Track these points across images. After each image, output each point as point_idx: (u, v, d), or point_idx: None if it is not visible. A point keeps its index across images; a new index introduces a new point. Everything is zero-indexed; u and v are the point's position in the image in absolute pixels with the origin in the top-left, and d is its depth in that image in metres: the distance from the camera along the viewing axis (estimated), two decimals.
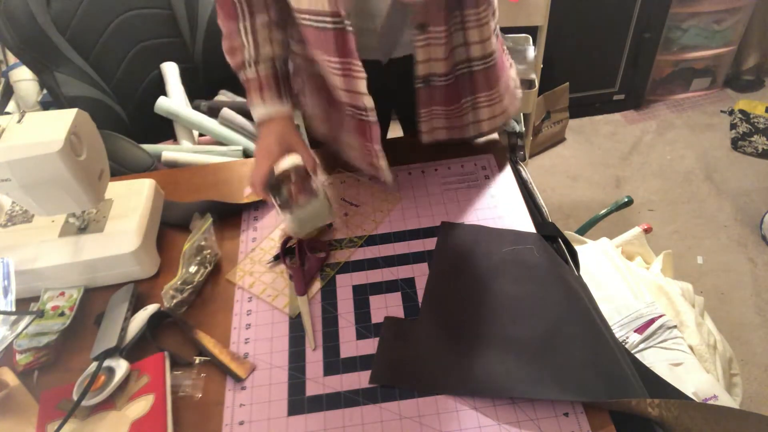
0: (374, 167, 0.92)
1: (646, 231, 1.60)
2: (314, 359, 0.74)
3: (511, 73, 1.00)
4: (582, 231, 1.74)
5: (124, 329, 0.75)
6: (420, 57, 0.83)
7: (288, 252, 0.89)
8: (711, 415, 0.64)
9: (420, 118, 0.92)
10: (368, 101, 0.82)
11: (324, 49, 0.79)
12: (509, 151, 1.03)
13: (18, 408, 0.71)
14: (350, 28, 0.75)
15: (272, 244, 0.90)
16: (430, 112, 0.91)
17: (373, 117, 0.84)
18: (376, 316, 0.78)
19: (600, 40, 2.37)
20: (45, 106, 1.84)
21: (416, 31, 0.79)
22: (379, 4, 0.81)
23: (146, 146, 1.33)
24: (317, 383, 0.71)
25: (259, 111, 0.85)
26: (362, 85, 0.80)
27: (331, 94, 0.88)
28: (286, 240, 0.89)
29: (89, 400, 0.68)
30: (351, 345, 0.75)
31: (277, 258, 0.87)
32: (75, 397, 0.68)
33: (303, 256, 0.86)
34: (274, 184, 0.87)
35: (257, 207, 0.97)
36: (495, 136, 1.05)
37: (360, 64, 0.78)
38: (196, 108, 1.44)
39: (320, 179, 0.88)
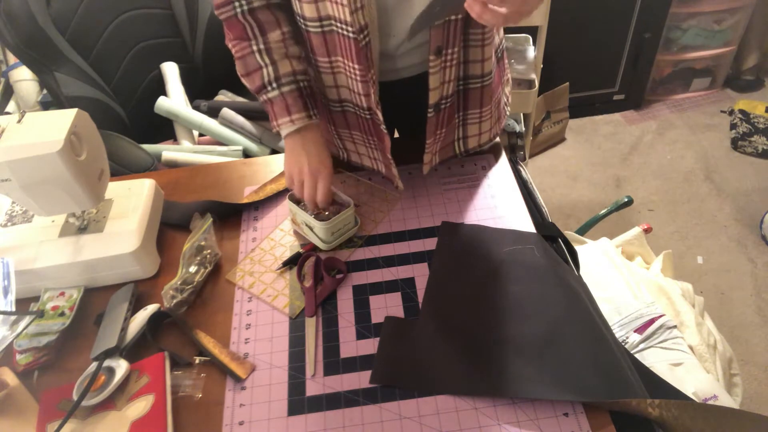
0: (389, 171, 0.92)
1: (646, 231, 1.60)
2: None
3: (506, 90, 0.99)
4: (582, 231, 1.74)
5: (124, 329, 0.75)
6: (434, 83, 0.80)
7: (293, 261, 0.86)
8: (711, 415, 0.64)
9: (426, 149, 0.90)
10: (379, 113, 0.82)
11: (347, 55, 0.78)
12: (509, 151, 1.03)
13: (18, 408, 0.71)
14: (368, 38, 0.74)
15: (272, 244, 0.90)
16: (435, 139, 0.89)
17: (384, 128, 0.84)
18: (376, 316, 0.78)
19: (600, 40, 2.37)
20: (45, 106, 1.84)
21: (433, 57, 0.77)
22: (401, 23, 0.79)
23: (146, 146, 1.33)
24: (317, 383, 0.71)
25: (287, 129, 0.83)
26: (375, 95, 0.80)
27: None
28: (305, 256, 0.86)
29: (89, 400, 0.68)
30: (351, 345, 0.75)
31: (286, 264, 0.86)
32: (75, 397, 0.68)
33: (318, 276, 0.84)
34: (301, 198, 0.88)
35: (257, 207, 0.97)
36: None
37: (374, 72, 0.79)
38: (196, 108, 1.44)
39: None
